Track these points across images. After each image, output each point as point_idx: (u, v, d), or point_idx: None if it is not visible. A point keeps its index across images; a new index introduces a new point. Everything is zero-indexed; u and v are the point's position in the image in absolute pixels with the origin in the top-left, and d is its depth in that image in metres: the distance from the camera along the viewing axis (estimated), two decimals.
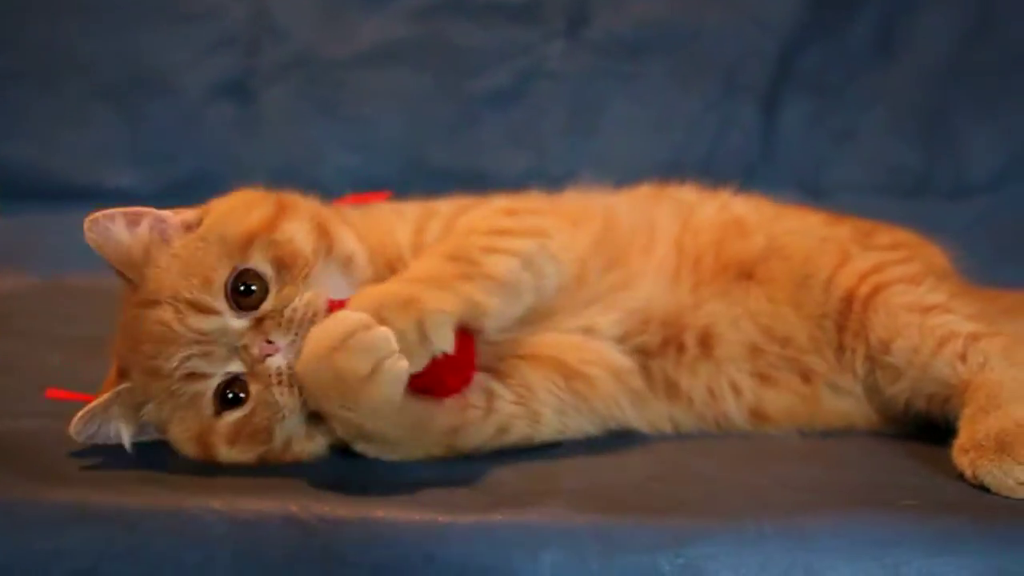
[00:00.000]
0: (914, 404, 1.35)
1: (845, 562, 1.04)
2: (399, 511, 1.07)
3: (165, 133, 2.54)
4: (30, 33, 2.54)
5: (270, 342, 1.17)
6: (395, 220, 1.38)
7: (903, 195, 2.49)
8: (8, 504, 1.08)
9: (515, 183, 1.83)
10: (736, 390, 1.39)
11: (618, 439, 1.35)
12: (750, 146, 2.55)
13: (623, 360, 1.36)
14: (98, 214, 1.23)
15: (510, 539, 1.05)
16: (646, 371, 1.38)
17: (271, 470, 1.17)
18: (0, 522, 1.06)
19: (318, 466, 1.17)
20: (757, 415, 1.40)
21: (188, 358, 1.17)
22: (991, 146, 2.48)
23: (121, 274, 1.23)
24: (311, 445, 1.21)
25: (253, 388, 1.18)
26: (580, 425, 1.33)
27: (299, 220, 1.26)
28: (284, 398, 1.16)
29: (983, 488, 1.15)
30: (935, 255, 1.57)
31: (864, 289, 1.40)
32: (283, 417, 1.17)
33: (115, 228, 1.23)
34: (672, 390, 1.38)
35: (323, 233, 1.26)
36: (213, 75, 2.55)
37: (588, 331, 1.36)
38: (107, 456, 1.20)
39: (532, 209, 1.43)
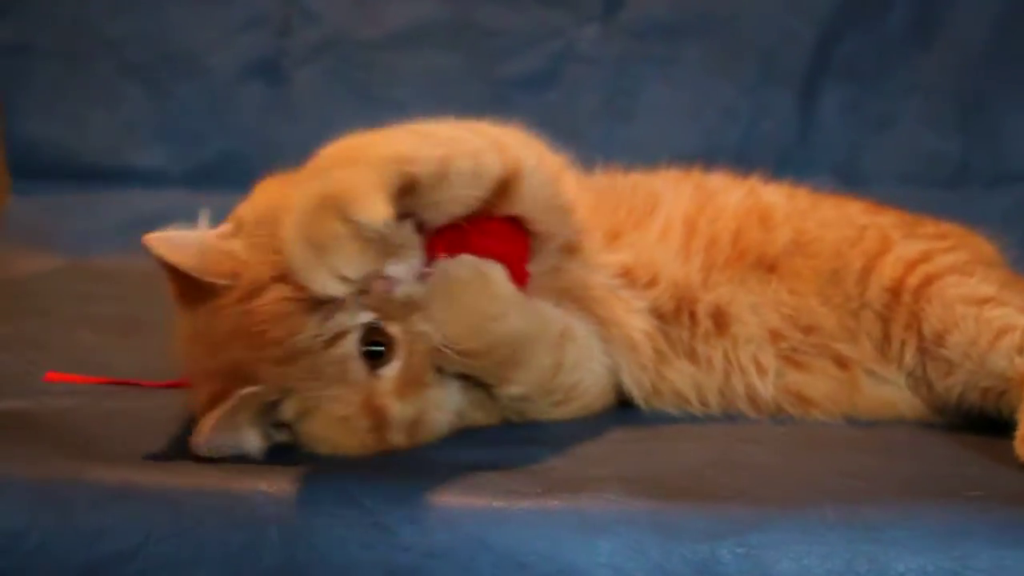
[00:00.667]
0: (968, 397, 1.32)
1: (911, 554, 1.01)
2: (454, 494, 1.04)
3: (194, 113, 2.53)
4: (58, 11, 2.52)
5: (388, 276, 1.13)
6: None
7: (941, 184, 2.46)
8: (50, 483, 1.05)
9: None
10: (760, 368, 1.37)
11: (665, 425, 1.33)
12: (785, 133, 2.51)
13: (644, 321, 1.34)
14: (153, 234, 1.16)
15: (566, 525, 1.02)
16: (665, 335, 1.36)
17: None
18: (42, 501, 1.04)
19: None
20: (795, 396, 1.37)
21: (326, 318, 1.10)
22: None
23: (183, 286, 1.15)
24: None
25: (393, 329, 1.14)
26: (612, 378, 1.33)
27: None
28: (424, 324, 1.13)
29: None
30: (982, 245, 1.55)
31: (914, 280, 1.36)
32: (429, 334, 1.14)
33: (177, 238, 1.16)
34: (692, 355, 1.37)
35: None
36: (244, 55, 2.53)
37: (594, 267, 1.34)
38: (150, 435, 1.18)
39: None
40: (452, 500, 1.04)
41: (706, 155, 1.78)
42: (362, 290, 1.09)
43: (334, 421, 1.13)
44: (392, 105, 2.52)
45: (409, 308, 1.14)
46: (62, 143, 2.53)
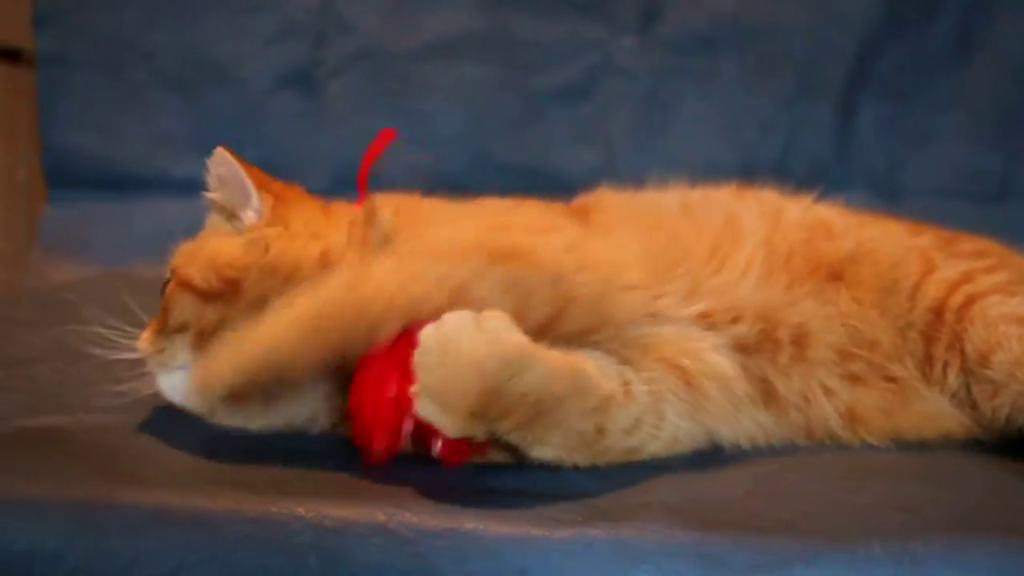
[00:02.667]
0: (1016, 418, 1.29)
1: None
2: (491, 522, 1.02)
3: (229, 123, 2.53)
4: (95, 22, 2.53)
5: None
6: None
7: (981, 200, 2.44)
8: (85, 505, 1.04)
9: (582, 181, 1.78)
10: (827, 391, 1.34)
11: (711, 454, 1.30)
12: (824, 148, 2.49)
13: (727, 364, 1.29)
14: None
15: (607, 555, 1.00)
16: (747, 373, 1.32)
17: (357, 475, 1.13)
18: (76, 524, 1.03)
19: (405, 474, 1.12)
20: (851, 417, 1.35)
21: None
22: None
23: None
24: None
25: None
26: (690, 434, 1.26)
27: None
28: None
29: None
30: (1021, 262, 1.52)
31: (956, 300, 1.35)
32: None
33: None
34: (770, 395, 1.32)
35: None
36: (278, 66, 2.53)
37: (668, 320, 1.30)
38: (186, 455, 1.16)
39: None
40: (489, 527, 1.02)
41: (743, 170, 1.76)
42: None
43: None
44: (425, 116, 2.52)
45: None
46: (97, 152, 2.54)
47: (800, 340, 1.34)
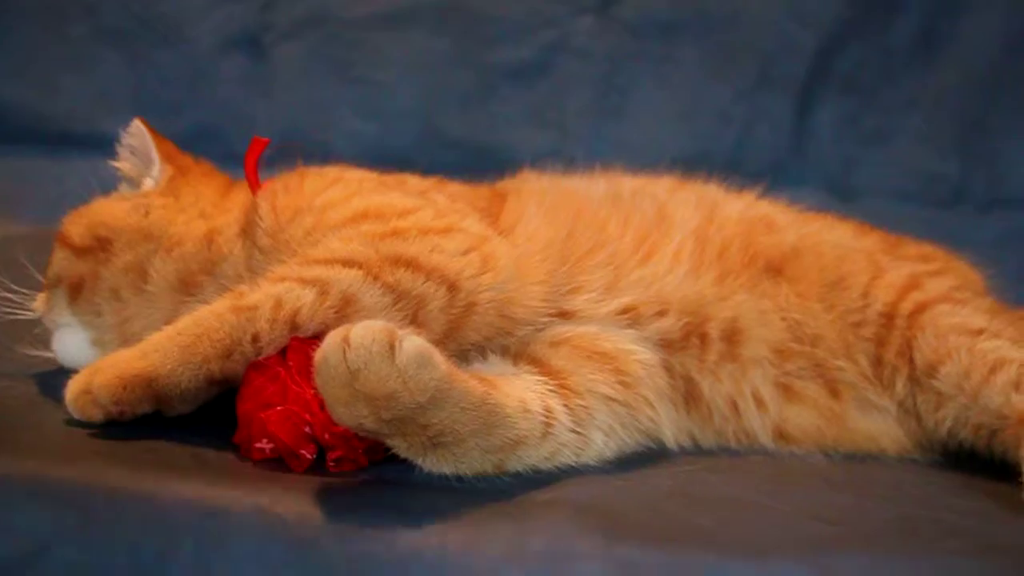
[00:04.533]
0: (958, 433, 1.26)
1: None
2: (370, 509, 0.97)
3: (172, 83, 2.45)
4: None
5: None
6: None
7: (934, 204, 2.40)
8: None
9: (533, 162, 1.73)
10: (759, 402, 1.30)
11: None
12: (780, 142, 2.44)
13: (646, 353, 1.25)
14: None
15: (507, 556, 0.94)
16: (668, 371, 1.27)
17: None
18: None
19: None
20: (780, 435, 1.31)
21: None
22: None
23: None
24: None
25: None
26: (620, 445, 1.21)
27: None
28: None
29: None
30: (967, 270, 1.50)
31: (906, 306, 1.32)
32: None
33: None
34: (693, 397, 1.28)
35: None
36: (225, 27, 2.45)
37: (583, 318, 1.26)
38: (74, 427, 1.09)
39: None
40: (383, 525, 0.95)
41: (697, 160, 1.71)
42: None
43: None
44: (375, 87, 2.45)
45: None
46: (33, 107, 2.45)
47: (732, 336, 1.30)
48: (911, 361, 1.29)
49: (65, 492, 0.96)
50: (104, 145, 2.43)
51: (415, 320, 1.09)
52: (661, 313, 1.28)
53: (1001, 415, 1.20)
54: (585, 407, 1.17)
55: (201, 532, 0.94)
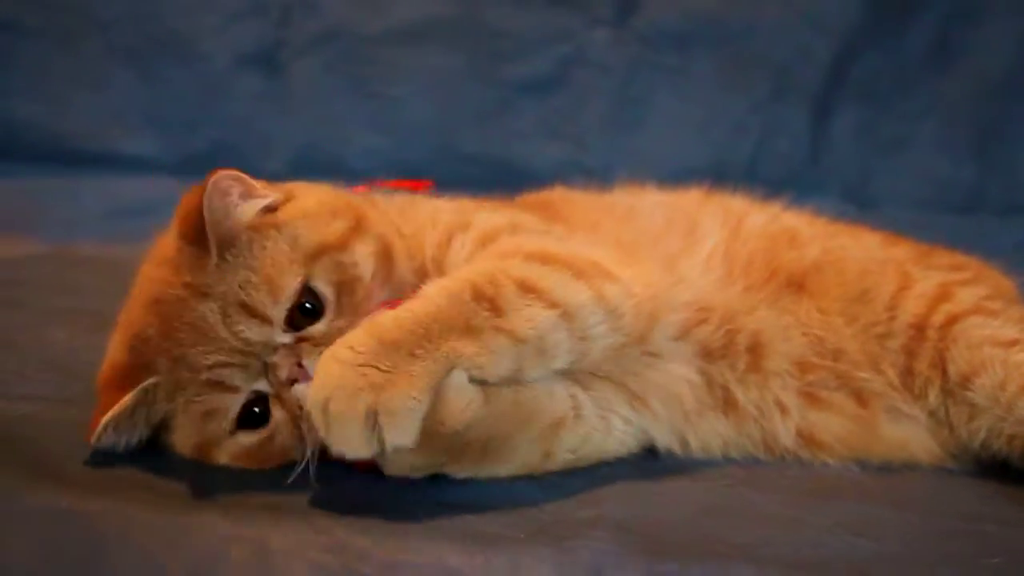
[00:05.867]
0: (991, 444, 1.25)
1: None
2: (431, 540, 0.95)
3: (187, 101, 2.45)
4: None
5: (302, 365, 1.06)
6: (428, 224, 1.26)
7: (952, 210, 2.39)
8: None
9: (549, 175, 1.73)
10: (782, 409, 1.29)
11: (664, 462, 1.23)
12: (796, 151, 2.44)
13: (690, 374, 1.26)
14: (226, 175, 1.09)
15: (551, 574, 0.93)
16: (708, 380, 1.27)
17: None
18: None
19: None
20: (807, 439, 1.29)
21: (224, 364, 1.06)
22: None
23: (196, 240, 1.08)
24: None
25: (276, 413, 1.08)
26: (639, 437, 1.23)
27: (369, 242, 1.15)
28: (307, 429, 1.05)
29: None
30: (999, 278, 1.48)
31: (938, 318, 1.31)
32: (304, 447, 1.06)
33: (232, 198, 1.10)
34: (729, 403, 1.28)
35: (386, 257, 1.16)
36: (240, 44, 2.45)
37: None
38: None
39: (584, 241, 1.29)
40: (428, 548, 0.95)
41: (714, 171, 1.71)
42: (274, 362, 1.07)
43: (180, 439, 1.11)
44: (390, 102, 2.45)
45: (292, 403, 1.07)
46: (48, 125, 2.45)
47: (755, 348, 1.29)
48: (944, 372, 1.28)
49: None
50: (118, 163, 2.48)
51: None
52: (704, 321, 1.28)
53: None
54: (601, 395, 1.20)
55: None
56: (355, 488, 1.07)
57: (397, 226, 1.23)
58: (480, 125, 2.45)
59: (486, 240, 1.21)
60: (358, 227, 1.15)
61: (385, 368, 0.99)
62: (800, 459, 1.29)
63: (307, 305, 1.08)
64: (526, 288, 1.08)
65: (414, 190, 1.39)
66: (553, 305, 1.08)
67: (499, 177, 1.87)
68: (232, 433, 1.08)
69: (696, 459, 1.25)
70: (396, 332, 1.02)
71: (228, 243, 1.08)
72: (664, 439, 1.25)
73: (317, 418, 0.99)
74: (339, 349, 1.01)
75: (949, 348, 1.27)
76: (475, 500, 1.04)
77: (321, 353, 1.03)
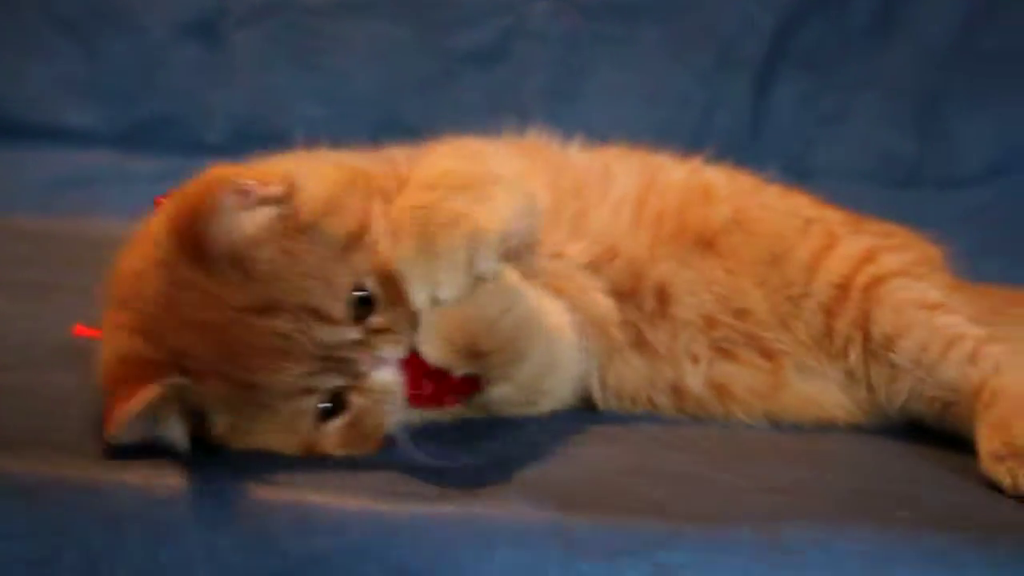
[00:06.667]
0: (912, 405, 1.28)
1: None
2: (338, 496, 0.96)
3: (127, 71, 2.42)
4: None
5: (380, 357, 1.06)
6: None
7: (892, 183, 2.41)
8: None
9: None
10: (693, 358, 1.32)
11: (581, 423, 1.25)
12: (738, 123, 2.45)
13: (610, 307, 1.28)
14: (219, 194, 1.00)
15: (460, 534, 0.94)
16: (623, 318, 1.30)
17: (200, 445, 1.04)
18: None
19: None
20: (718, 389, 1.32)
21: (309, 375, 1.02)
22: (985, 137, 2.39)
23: (207, 260, 1.02)
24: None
25: (356, 400, 1.06)
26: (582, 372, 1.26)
27: (378, 200, 1.12)
28: (391, 411, 1.07)
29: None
30: (927, 247, 1.50)
31: (862, 279, 1.32)
32: (391, 423, 1.08)
33: (235, 215, 1.03)
34: (643, 343, 1.31)
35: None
36: (181, 14, 2.42)
37: (558, 257, 1.29)
38: (37, 418, 1.08)
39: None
40: (336, 503, 0.95)
41: (658, 142, 1.71)
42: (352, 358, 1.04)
43: (277, 446, 1.05)
44: (333, 74, 2.43)
45: (389, 395, 1.07)
46: None
47: (661, 296, 1.32)
48: (867, 333, 1.30)
49: (6, 482, 0.95)
50: (59, 135, 2.45)
51: None
52: (612, 258, 1.31)
53: (955, 388, 1.23)
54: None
55: (149, 520, 0.92)
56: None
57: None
58: (423, 96, 2.43)
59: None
60: (367, 192, 1.12)
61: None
62: (711, 412, 1.31)
63: (362, 297, 1.06)
64: (482, 180, 1.12)
65: None
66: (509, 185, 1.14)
67: None
68: (320, 423, 1.06)
69: (613, 419, 1.26)
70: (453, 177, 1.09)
71: (244, 256, 1.02)
72: (593, 373, 1.28)
73: (412, 257, 1.01)
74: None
75: (873, 309, 1.29)
76: (381, 459, 1.05)
77: (396, 343, 1.06)
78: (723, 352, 1.32)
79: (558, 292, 1.25)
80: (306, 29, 2.44)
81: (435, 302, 1.01)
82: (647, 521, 0.98)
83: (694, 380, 1.30)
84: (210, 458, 1.01)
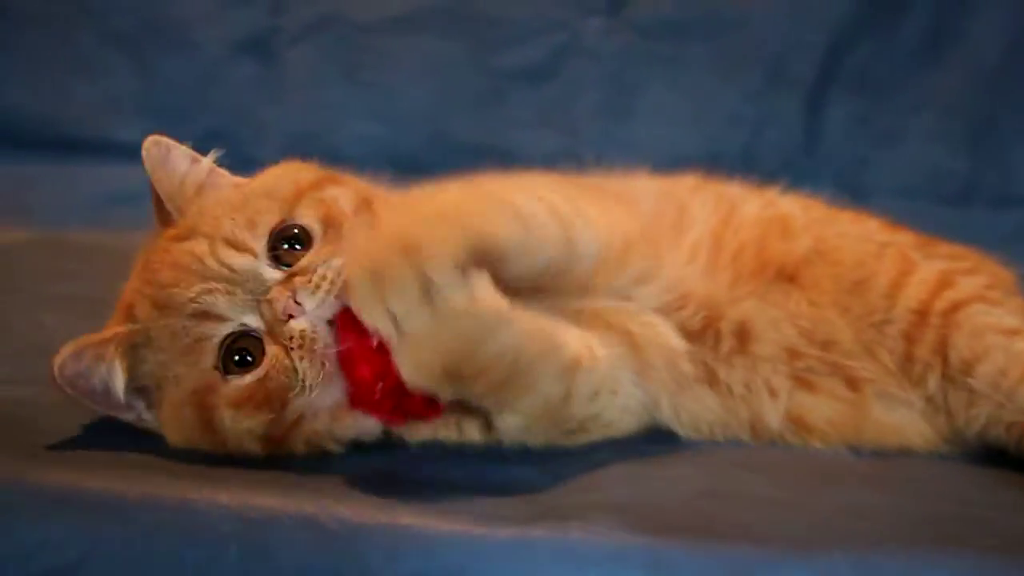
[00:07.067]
0: (990, 431, 1.27)
1: None
2: (428, 518, 0.95)
3: (181, 88, 2.44)
4: None
5: (297, 302, 1.05)
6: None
7: (945, 202, 2.39)
8: None
9: (543, 164, 1.72)
10: (771, 391, 1.30)
11: (661, 447, 1.24)
12: (790, 142, 2.44)
13: (677, 340, 1.26)
14: (161, 137, 1.18)
15: (552, 558, 0.94)
16: (691, 359, 1.28)
17: (287, 465, 1.04)
18: None
19: (341, 465, 1.05)
20: (797, 422, 1.30)
21: (208, 292, 1.07)
22: None
23: (160, 207, 1.16)
24: (331, 427, 1.09)
25: (269, 350, 1.07)
26: (641, 403, 1.24)
27: (344, 187, 1.18)
28: (304, 366, 1.04)
29: None
30: (998, 269, 1.49)
31: (941, 304, 1.31)
32: (301, 387, 1.05)
33: (175, 156, 1.18)
34: (713, 379, 1.29)
35: (367, 206, 1.16)
36: (234, 31, 2.44)
37: (627, 300, 1.27)
38: (104, 434, 1.08)
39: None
40: (427, 525, 0.95)
41: (707, 161, 1.70)
42: (269, 298, 1.07)
43: (176, 397, 1.09)
44: (386, 91, 2.44)
45: (301, 342, 1.05)
46: (41, 112, 2.43)
47: (743, 336, 1.30)
48: (945, 359, 1.28)
49: (102, 503, 0.95)
50: (112, 151, 2.47)
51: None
52: (681, 308, 1.29)
53: None
54: (612, 351, 1.21)
55: (245, 542, 0.92)
56: (338, 463, 1.07)
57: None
58: (474, 113, 2.44)
59: None
60: (329, 177, 1.20)
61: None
62: (789, 443, 1.29)
63: (295, 245, 1.10)
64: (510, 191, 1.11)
65: None
66: (539, 199, 1.11)
67: (493, 165, 1.86)
68: (224, 374, 1.07)
69: (690, 442, 1.25)
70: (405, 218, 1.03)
71: (182, 198, 1.15)
72: (664, 407, 1.26)
73: (361, 288, 0.98)
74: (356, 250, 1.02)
75: (952, 334, 1.28)
76: (470, 481, 1.04)
77: (317, 289, 1.05)
78: (803, 383, 1.30)
79: (615, 326, 1.23)
80: (358, 46, 2.45)
81: (399, 328, 0.98)
82: (739, 546, 0.97)
83: (772, 416, 1.29)
84: (302, 481, 1.00)
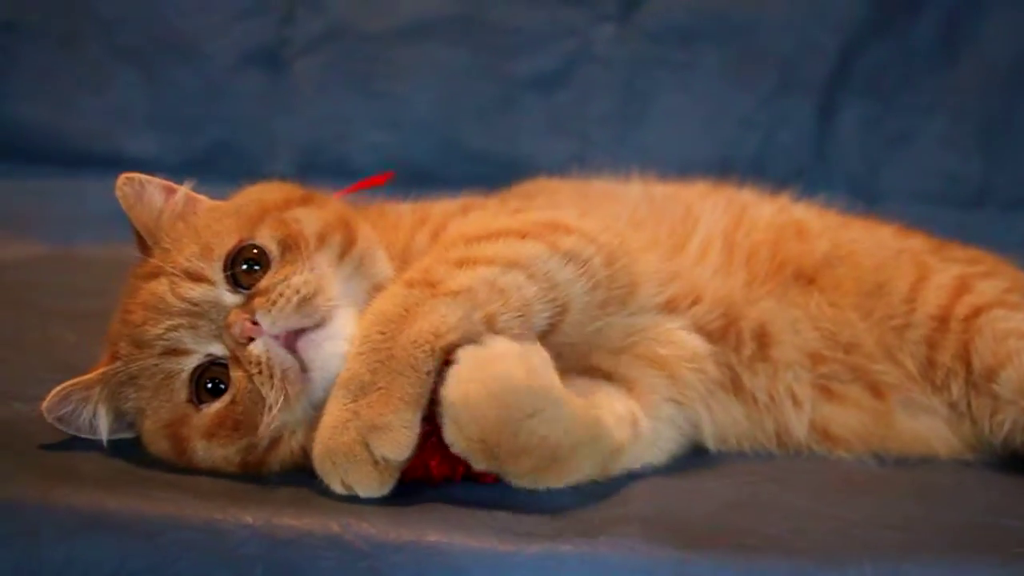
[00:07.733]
0: (1014, 437, 1.25)
1: None
2: (455, 536, 0.95)
3: (190, 101, 2.44)
4: None
5: (255, 323, 1.04)
6: (399, 223, 1.27)
7: (958, 205, 2.39)
8: (14, 506, 0.96)
9: (555, 171, 1.72)
10: (795, 400, 1.29)
11: (686, 459, 1.23)
12: (802, 146, 2.43)
13: (699, 343, 1.25)
14: (134, 174, 1.17)
15: (580, 572, 0.93)
16: (715, 358, 1.27)
17: (312, 483, 1.03)
18: (5, 527, 0.94)
19: None
20: (821, 433, 1.29)
21: (173, 328, 1.07)
22: None
23: (140, 241, 1.17)
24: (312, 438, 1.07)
25: (234, 375, 1.06)
26: (679, 441, 1.23)
27: (315, 209, 1.17)
28: (267, 390, 1.03)
29: None
30: (1013, 271, 1.48)
31: (961, 309, 1.31)
32: (269, 410, 1.04)
33: (149, 190, 1.17)
34: (737, 385, 1.28)
35: (342, 227, 1.15)
36: (243, 43, 2.44)
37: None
38: (128, 454, 1.07)
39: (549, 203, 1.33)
40: (455, 542, 0.94)
41: (720, 165, 1.70)
42: (228, 322, 1.06)
43: (152, 428, 1.09)
44: (395, 100, 2.44)
45: (259, 367, 1.04)
46: (50, 126, 2.43)
47: (762, 339, 1.29)
48: (968, 365, 1.27)
49: (130, 523, 0.94)
50: (122, 164, 2.45)
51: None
52: (694, 302, 1.28)
53: None
54: (652, 404, 1.19)
55: (272, 562, 0.92)
56: None
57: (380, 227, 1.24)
58: (485, 122, 2.43)
59: (439, 230, 1.22)
60: (304, 198, 1.19)
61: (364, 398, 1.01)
62: (814, 453, 1.29)
63: (254, 266, 1.09)
64: (463, 262, 1.08)
65: (376, 185, 1.37)
66: (491, 262, 1.08)
67: (504, 173, 1.85)
68: (196, 405, 1.07)
69: (715, 454, 1.24)
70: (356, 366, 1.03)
71: (158, 232, 1.15)
72: (706, 429, 1.25)
73: (325, 469, 1.01)
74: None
75: (974, 340, 1.27)
76: (497, 498, 1.03)
77: (273, 308, 1.04)
78: (826, 392, 1.29)
79: (643, 356, 1.23)
80: (367, 56, 2.44)
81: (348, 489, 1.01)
82: (768, 558, 0.96)
83: (798, 427, 1.28)
84: (323, 498, 1.00)
